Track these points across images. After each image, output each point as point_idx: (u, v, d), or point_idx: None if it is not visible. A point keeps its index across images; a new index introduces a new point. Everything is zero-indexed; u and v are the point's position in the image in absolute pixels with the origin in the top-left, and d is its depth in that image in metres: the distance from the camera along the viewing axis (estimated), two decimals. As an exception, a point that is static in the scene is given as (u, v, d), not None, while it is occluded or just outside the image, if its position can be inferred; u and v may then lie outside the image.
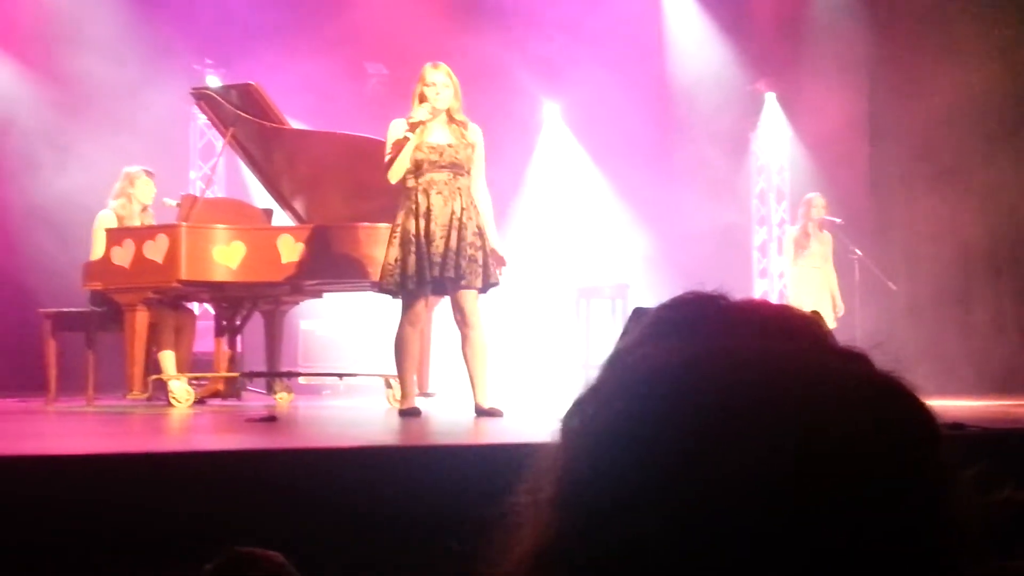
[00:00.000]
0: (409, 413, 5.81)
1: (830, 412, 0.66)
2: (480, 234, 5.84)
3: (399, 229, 5.79)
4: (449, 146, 5.86)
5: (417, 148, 5.80)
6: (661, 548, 0.64)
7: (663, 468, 0.65)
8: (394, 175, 5.83)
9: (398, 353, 5.96)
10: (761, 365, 0.68)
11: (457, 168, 5.86)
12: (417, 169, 5.81)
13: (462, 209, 5.79)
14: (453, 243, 5.72)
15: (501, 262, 6.05)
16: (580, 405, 0.73)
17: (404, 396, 6.00)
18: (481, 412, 5.72)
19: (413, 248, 5.72)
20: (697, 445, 0.64)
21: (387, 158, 5.85)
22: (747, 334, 0.73)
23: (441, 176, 5.81)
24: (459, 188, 5.84)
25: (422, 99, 5.91)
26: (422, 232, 5.73)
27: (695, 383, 0.67)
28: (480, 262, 5.79)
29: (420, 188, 5.79)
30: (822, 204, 9.24)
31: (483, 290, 5.85)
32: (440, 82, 5.93)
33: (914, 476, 0.66)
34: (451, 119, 5.94)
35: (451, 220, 5.75)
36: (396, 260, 5.76)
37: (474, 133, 6.00)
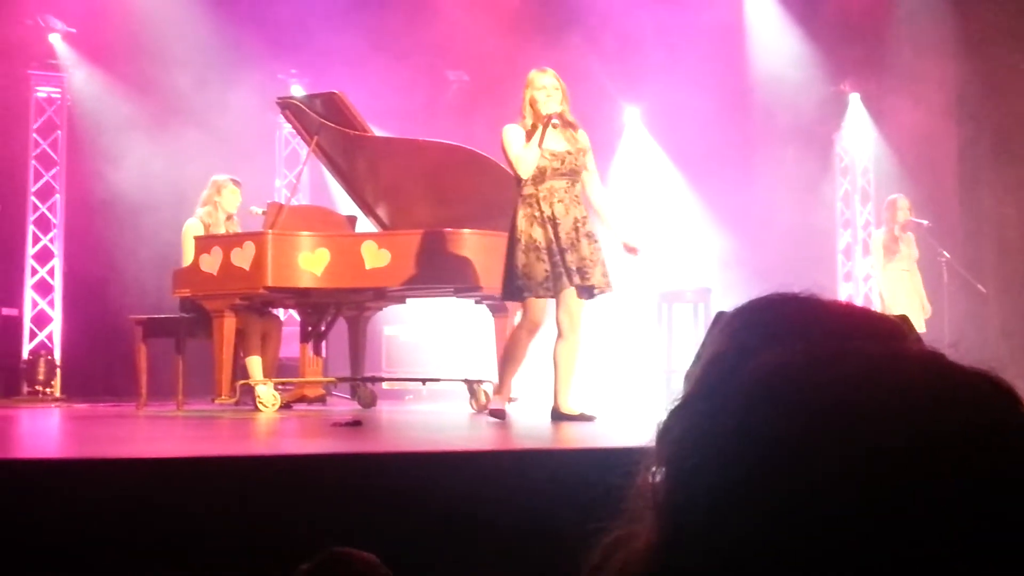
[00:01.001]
0: (497, 415, 5.82)
1: (922, 413, 0.66)
2: (596, 240, 5.87)
3: (523, 235, 5.76)
4: (568, 153, 5.89)
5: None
6: (765, 550, 0.64)
7: (763, 472, 0.65)
8: (527, 168, 5.78)
9: (508, 355, 5.98)
10: (854, 367, 0.68)
11: (574, 176, 5.90)
12: (540, 175, 5.82)
13: (583, 216, 5.84)
14: (582, 250, 5.75)
15: (634, 251, 6.12)
16: (681, 411, 0.74)
17: (499, 394, 5.99)
18: (566, 417, 5.71)
19: (542, 255, 5.73)
20: (803, 448, 0.65)
21: (515, 156, 5.80)
22: (838, 336, 0.73)
23: (561, 184, 5.84)
24: (576, 196, 5.88)
25: (532, 104, 5.90)
26: (551, 239, 5.74)
27: (799, 387, 0.68)
28: (596, 268, 5.82)
29: (541, 195, 5.81)
30: (907, 205, 9.08)
31: (593, 296, 5.85)
32: (549, 85, 5.95)
33: (1013, 475, 0.65)
34: (564, 123, 5.94)
35: (575, 227, 5.79)
36: (523, 266, 5.74)
37: (583, 137, 6.02)
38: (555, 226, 5.75)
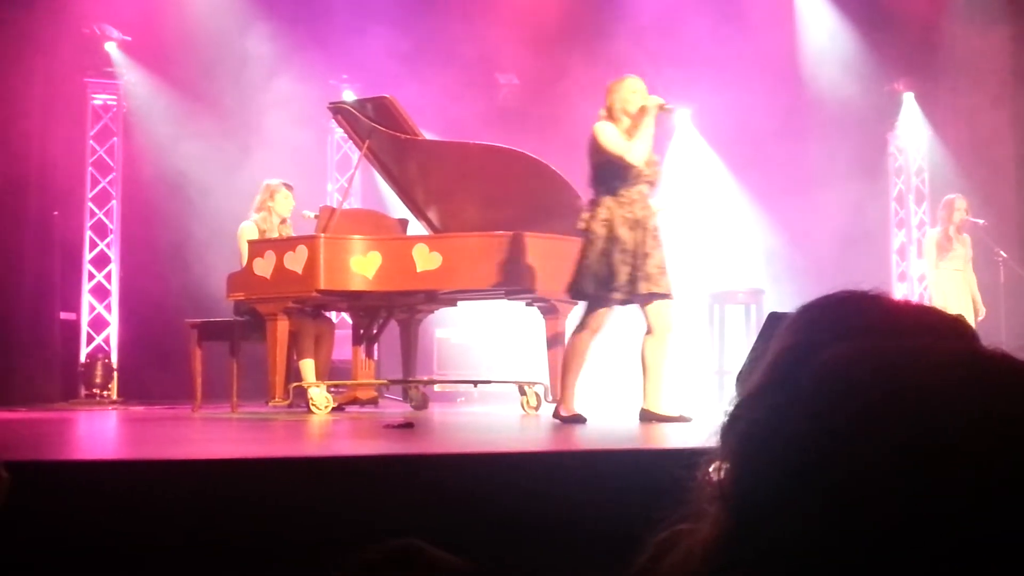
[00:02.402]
0: (575, 420, 5.78)
1: (989, 407, 0.66)
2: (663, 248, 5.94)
3: (610, 235, 5.75)
4: (655, 162, 5.97)
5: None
6: (831, 537, 0.65)
7: (831, 463, 0.66)
8: (641, 155, 5.80)
9: (571, 360, 5.94)
10: (923, 363, 0.69)
11: (654, 185, 5.98)
12: (634, 178, 5.83)
13: (656, 226, 5.90)
14: (659, 257, 5.81)
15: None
16: (749, 403, 0.74)
17: (564, 400, 5.93)
18: (659, 418, 5.70)
19: (627, 258, 5.74)
20: (872, 438, 0.66)
21: (618, 153, 5.78)
22: (904, 333, 0.73)
23: (645, 190, 5.89)
24: (651, 202, 5.95)
25: (624, 106, 5.92)
26: (638, 243, 5.77)
27: (870, 379, 0.68)
28: (667, 276, 5.88)
29: (634, 197, 5.83)
30: (964, 206, 8.98)
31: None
32: (639, 88, 6.00)
33: None
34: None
35: (654, 234, 5.84)
36: (607, 266, 5.73)
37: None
38: (643, 230, 5.78)
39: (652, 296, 5.78)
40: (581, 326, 5.94)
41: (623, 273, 5.70)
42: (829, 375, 0.70)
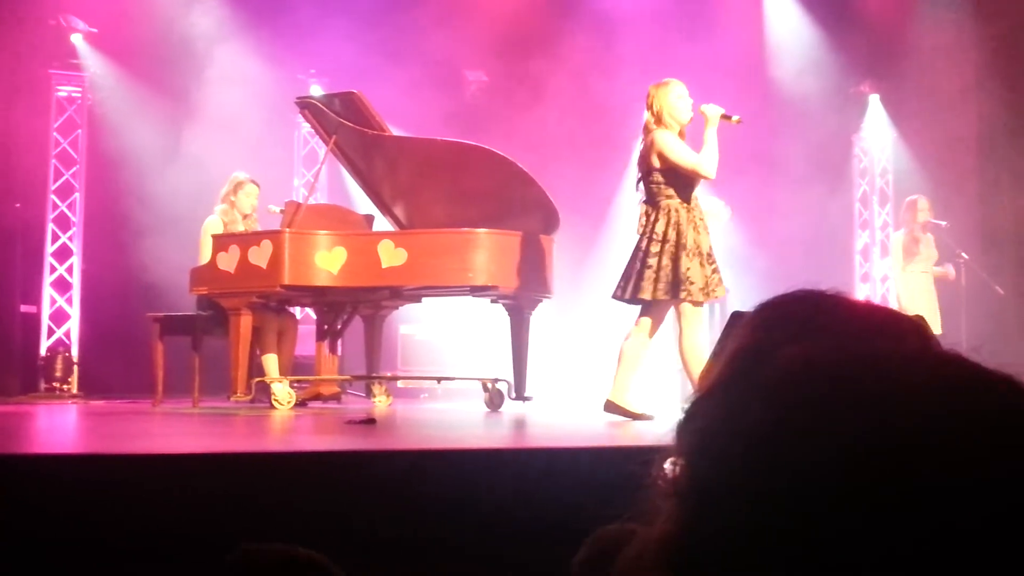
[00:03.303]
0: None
1: (942, 409, 0.66)
2: None
3: (681, 242, 5.81)
4: None
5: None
6: (785, 535, 0.65)
7: (786, 462, 0.67)
8: (714, 168, 5.91)
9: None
10: (879, 364, 0.69)
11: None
12: (697, 184, 5.96)
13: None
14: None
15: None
16: (705, 400, 0.74)
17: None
18: (625, 413, 5.77)
19: (704, 260, 5.84)
20: (826, 439, 0.66)
21: (691, 167, 5.88)
22: (861, 333, 0.73)
23: (697, 193, 6.00)
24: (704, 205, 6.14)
25: (672, 111, 5.99)
26: (710, 246, 5.93)
27: (824, 380, 0.69)
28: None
29: (695, 203, 5.94)
30: (927, 207, 9.06)
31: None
32: (684, 93, 6.07)
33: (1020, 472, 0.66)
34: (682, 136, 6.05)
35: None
36: (686, 269, 5.77)
37: None
38: (708, 234, 5.94)
39: (714, 299, 5.97)
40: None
41: (700, 276, 5.77)
42: (785, 375, 0.70)
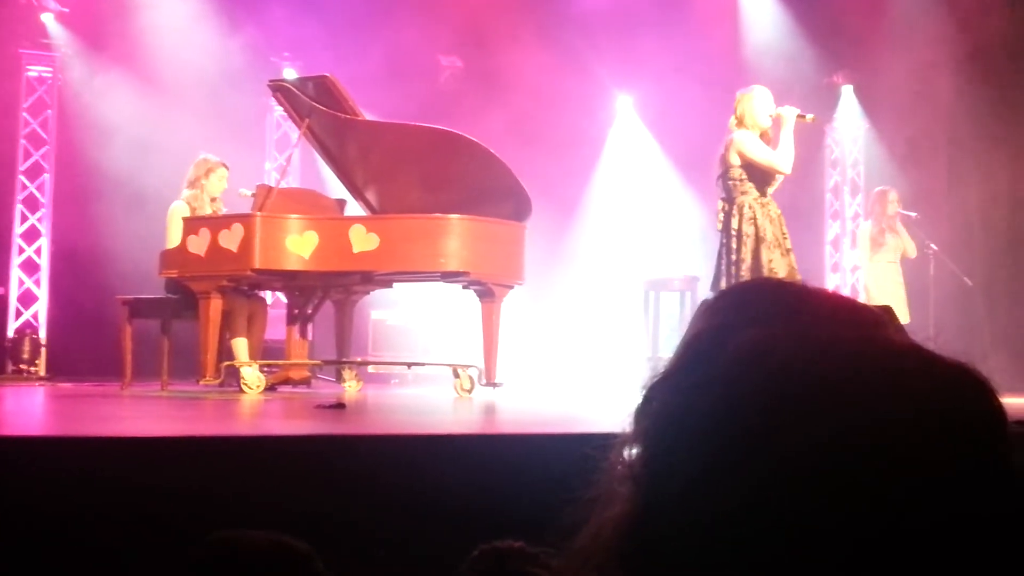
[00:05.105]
0: None
1: (895, 400, 0.67)
2: None
3: (760, 236, 6.15)
4: None
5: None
6: (738, 520, 0.66)
7: (741, 448, 0.67)
8: (790, 164, 6.30)
9: None
10: (834, 351, 0.70)
11: None
12: (773, 181, 6.30)
13: None
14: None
15: None
16: (661, 385, 0.75)
17: None
18: None
19: (784, 253, 6.19)
20: (778, 425, 0.66)
21: (769, 165, 6.25)
22: (819, 321, 0.74)
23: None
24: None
25: (755, 113, 6.33)
26: (785, 240, 6.25)
27: (778, 366, 0.69)
28: None
29: (769, 199, 6.30)
30: (896, 198, 9.11)
31: None
32: (770, 99, 6.40)
33: (975, 463, 0.66)
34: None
35: None
36: (769, 262, 6.12)
37: None
38: (783, 228, 6.29)
39: None
40: None
41: (782, 266, 6.11)
42: (740, 359, 0.70)
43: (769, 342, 0.71)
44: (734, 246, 6.18)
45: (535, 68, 10.78)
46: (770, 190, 6.31)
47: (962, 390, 0.69)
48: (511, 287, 7.33)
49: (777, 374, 0.68)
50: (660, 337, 9.47)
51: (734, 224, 6.19)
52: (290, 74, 10.60)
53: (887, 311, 0.80)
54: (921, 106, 10.76)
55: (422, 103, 10.35)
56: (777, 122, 6.38)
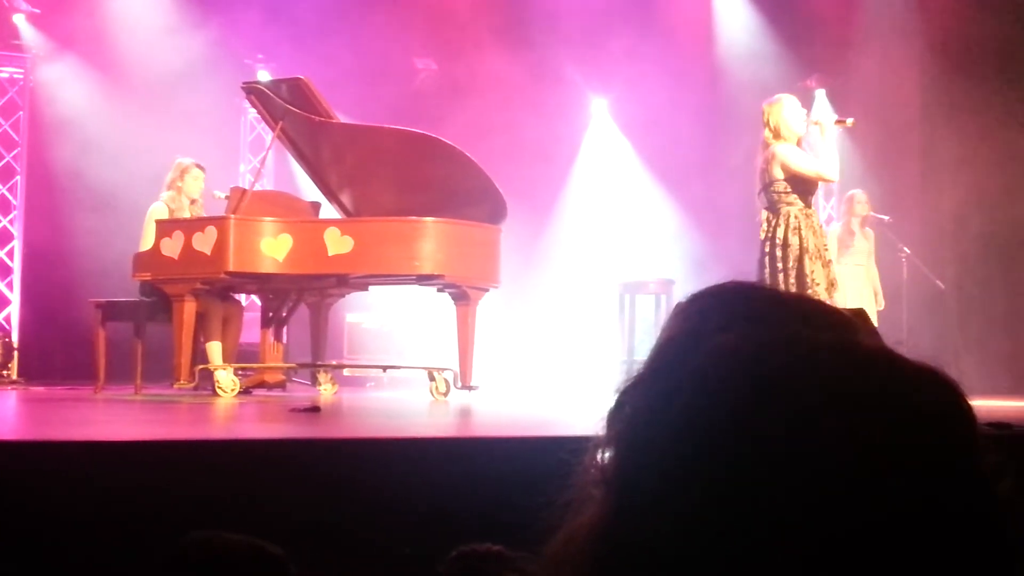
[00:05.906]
0: None
1: (865, 403, 0.67)
2: None
3: (804, 246, 6.20)
4: None
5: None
6: (710, 524, 0.66)
7: (711, 451, 0.67)
8: (836, 171, 6.39)
9: None
10: (805, 355, 0.70)
11: None
12: (814, 190, 6.40)
13: None
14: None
15: None
16: (633, 389, 0.75)
17: None
18: None
19: (826, 264, 6.26)
20: (750, 429, 0.67)
21: (814, 173, 6.30)
22: (791, 325, 0.74)
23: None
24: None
25: (789, 123, 6.35)
26: (826, 250, 6.34)
27: (749, 370, 0.69)
28: None
29: (812, 209, 6.36)
30: (865, 200, 9.13)
31: None
32: (799, 107, 6.47)
33: (946, 466, 0.67)
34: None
35: None
36: (812, 272, 6.17)
37: None
38: (824, 238, 6.38)
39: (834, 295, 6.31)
40: None
41: (823, 277, 6.18)
42: (712, 363, 0.71)
43: (740, 346, 0.71)
44: (779, 255, 6.22)
45: (510, 71, 10.79)
46: (812, 199, 6.39)
47: (931, 393, 0.69)
48: (486, 290, 7.33)
49: (747, 378, 0.69)
50: (635, 340, 9.49)
51: (779, 235, 6.23)
52: (264, 76, 10.57)
53: (860, 314, 0.81)
54: (893, 109, 10.82)
55: (397, 106, 10.34)
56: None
